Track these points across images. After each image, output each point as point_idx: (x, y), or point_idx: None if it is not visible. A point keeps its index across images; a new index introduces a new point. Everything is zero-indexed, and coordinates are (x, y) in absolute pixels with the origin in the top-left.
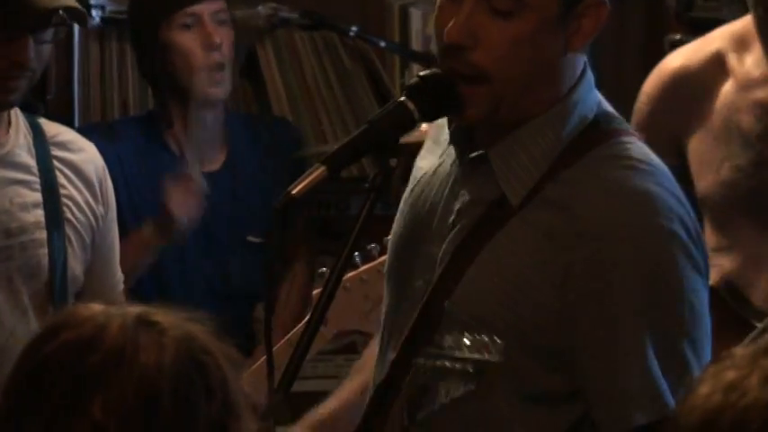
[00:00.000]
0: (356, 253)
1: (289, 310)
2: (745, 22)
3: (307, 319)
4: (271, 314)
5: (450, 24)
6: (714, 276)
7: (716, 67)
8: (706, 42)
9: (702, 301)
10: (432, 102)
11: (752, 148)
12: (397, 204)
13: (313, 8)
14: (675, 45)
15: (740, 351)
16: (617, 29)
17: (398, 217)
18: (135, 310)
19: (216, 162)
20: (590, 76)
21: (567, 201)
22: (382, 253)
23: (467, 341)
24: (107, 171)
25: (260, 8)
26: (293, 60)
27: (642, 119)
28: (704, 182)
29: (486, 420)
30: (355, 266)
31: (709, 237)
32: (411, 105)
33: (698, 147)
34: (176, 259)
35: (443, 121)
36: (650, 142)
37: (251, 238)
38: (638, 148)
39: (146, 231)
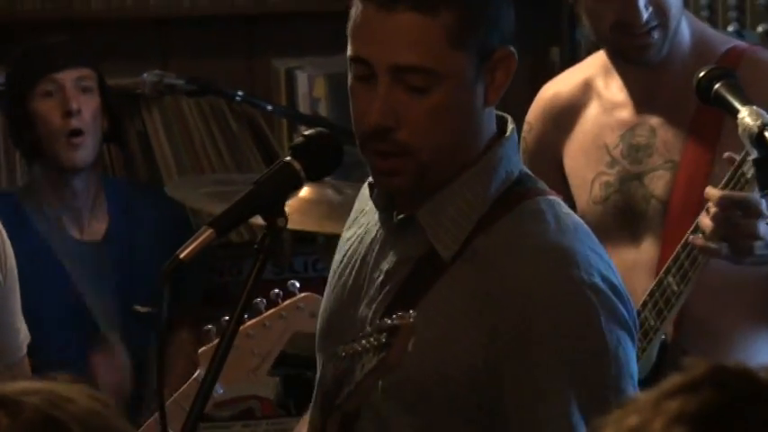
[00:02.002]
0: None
1: (176, 375)
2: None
3: (194, 377)
4: (163, 378)
5: (372, 110)
6: None
7: (585, 91)
8: (578, 70)
9: (627, 352)
10: (317, 160)
11: (617, 164)
12: (290, 269)
13: (199, 74)
14: None
15: (643, 396)
16: None
17: (328, 291)
18: (12, 388)
19: (98, 233)
20: (515, 135)
21: (492, 255)
22: (268, 307)
23: (387, 320)
24: (4, 233)
25: (145, 75)
26: (181, 127)
27: (527, 146)
28: (580, 202)
29: (397, 391)
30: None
31: None
32: (297, 165)
33: (573, 167)
34: (60, 328)
35: (366, 191)
36: (537, 169)
37: (137, 308)
38: (560, 206)
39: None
